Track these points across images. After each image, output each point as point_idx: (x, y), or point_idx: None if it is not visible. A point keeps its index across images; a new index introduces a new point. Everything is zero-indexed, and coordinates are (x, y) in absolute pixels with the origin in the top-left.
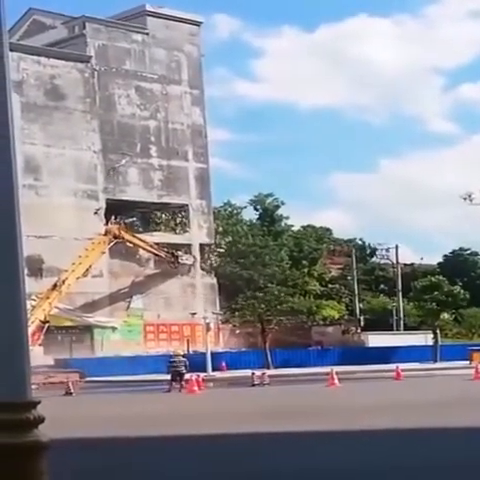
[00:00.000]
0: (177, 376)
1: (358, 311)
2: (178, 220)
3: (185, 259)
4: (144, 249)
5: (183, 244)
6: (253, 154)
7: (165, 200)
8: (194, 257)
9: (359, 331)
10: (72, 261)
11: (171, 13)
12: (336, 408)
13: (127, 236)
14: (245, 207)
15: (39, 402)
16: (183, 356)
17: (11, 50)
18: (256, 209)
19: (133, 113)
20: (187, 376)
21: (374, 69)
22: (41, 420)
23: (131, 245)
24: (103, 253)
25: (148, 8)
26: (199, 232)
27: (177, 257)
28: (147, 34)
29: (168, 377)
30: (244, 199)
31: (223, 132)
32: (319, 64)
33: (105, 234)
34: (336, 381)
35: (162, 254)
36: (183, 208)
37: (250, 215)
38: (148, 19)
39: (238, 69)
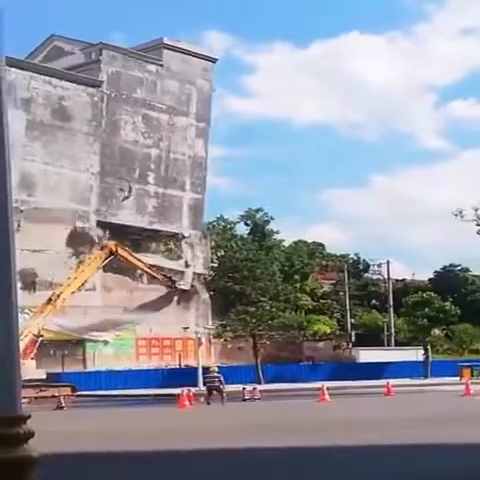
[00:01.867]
0: (214, 391)
1: (349, 326)
2: (170, 247)
3: (182, 284)
4: (141, 269)
5: (177, 270)
6: (246, 170)
7: (156, 227)
8: (192, 286)
9: (350, 346)
10: (67, 275)
11: (187, 47)
12: (326, 423)
13: (124, 253)
14: (238, 222)
15: (29, 416)
16: (218, 372)
17: (22, 68)
18: (246, 224)
19: (136, 140)
20: (178, 391)
21: (366, 86)
22: (31, 435)
23: (125, 262)
24: (99, 268)
25: (166, 41)
26: (195, 261)
27: (174, 282)
28: (161, 65)
29: (158, 392)
30: (237, 214)
31: (216, 148)
32: (312, 80)
33: (102, 249)
34: (327, 396)
35: (159, 277)
36: (175, 237)
37: (242, 230)
38: (164, 51)
39: (230, 85)
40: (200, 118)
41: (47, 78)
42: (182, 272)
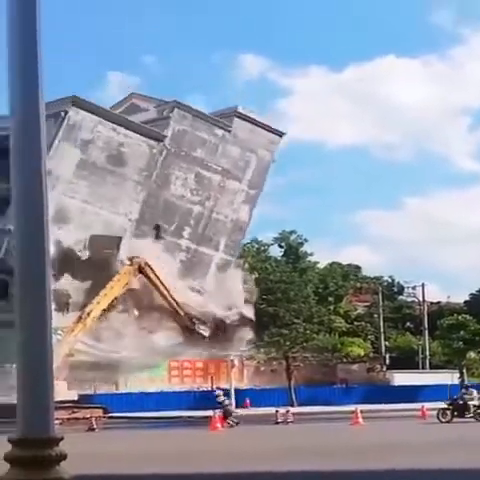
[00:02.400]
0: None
1: (384, 349)
2: None
3: (202, 329)
4: (163, 296)
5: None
6: (281, 192)
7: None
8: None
9: (384, 369)
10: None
11: (259, 119)
12: (359, 447)
13: (151, 274)
14: (272, 244)
15: (62, 438)
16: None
17: (92, 112)
18: (280, 246)
19: (183, 195)
20: (210, 413)
21: (401, 108)
22: (63, 457)
23: (148, 283)
24: (127, 285)
25: (239, 109)
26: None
27: (194, 323)
28: (229, 131)
29: (190, 414)
30: (271, 236)
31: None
32: (346, 103)
33: (130, 264)
34: (360, 420)
35: (181, 312)
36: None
37: (276, 252)
38: (235, 119)
39: (265, 108)
40: (253, 185)
41: (114, 125)
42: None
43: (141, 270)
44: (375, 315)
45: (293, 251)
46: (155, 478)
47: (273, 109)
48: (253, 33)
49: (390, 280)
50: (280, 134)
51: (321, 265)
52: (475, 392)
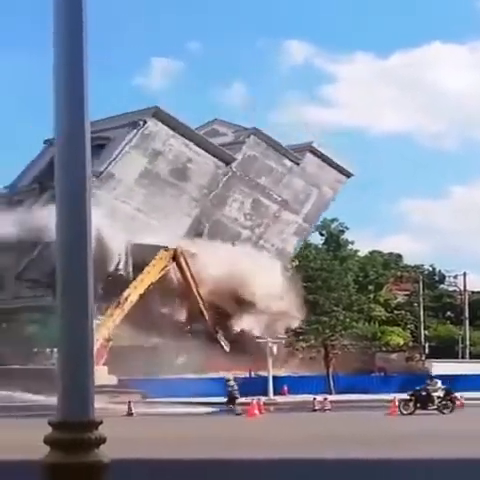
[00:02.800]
0: (232, 400)
1: (423, 338)
2: None
3: (222, 340)
4: (190, 291)
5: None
6: None
7: None
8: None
9: (423, 358)
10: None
11: (331, 157)
12: (394, 436)
13: (184, 265)
14: (313, 231)
15: (101, 422)
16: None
17: (169, 125)
18: (321, 234)
19: (236, 218)
20: (248, 400)
21: (447, 95)
22: (102, 440)
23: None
24: (163, 270)
25: (314, 145)
26: None
27: (217, 332)
28: (298, 164)
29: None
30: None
31: None
32: (392, 90)
33: (166, 250)
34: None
35: (205, 314)
36: None
37: (317, 240)
38: (308, 154)
39: (310, 94)
40: (307, 219)
41: (187, 141)
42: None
43: (175, 258)
44: (415, 304)
45: (334, 239)
46: (191, 463)
47: (318, 95)
48: (299, 19)
49: (431, 269)
50: (348, 174)
51: (362, 253)
52: (439, 383)
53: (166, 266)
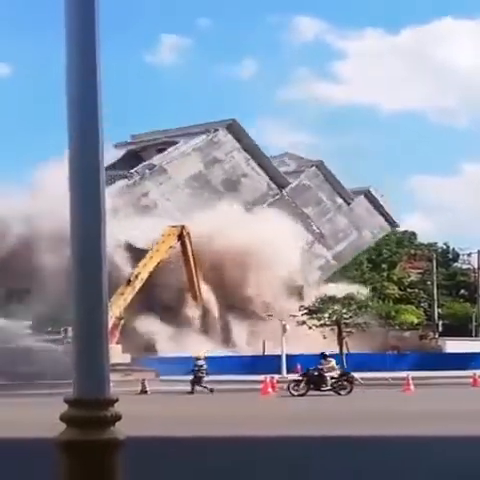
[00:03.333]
0: (198, 379)
1: (437, 316)
2: None
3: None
4: (188, 274)
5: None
6: (333, 156)
7: None
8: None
9: (437, 336)
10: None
11: (383, 205)
12: (408, 414)
13: (188, 245)
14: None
15: (117, 400)
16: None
17: (239, 139)
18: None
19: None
20: (261, 377)
21: (458, 72)
22: (118, 418)
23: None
24: (172, 247)
25: (371, 190)
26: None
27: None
28: (348, 204)
29: (241, 378)
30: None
31: (302, 134)
32: (402, 67)
33: (174, 226)
34: (411, 387)
35: (196, 292)
36: None
37: None
38: (361, 196)
39: (320, 70)
40: (337, 258)
41: (249, 157)
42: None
43: (180, 237)
44: (429, 282)
45: None
46: (204, 441)
47: (328, 72)
48: None
49: (445, 247)
50: (394, 225)
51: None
52: (334, 362)
53: (173, 245)
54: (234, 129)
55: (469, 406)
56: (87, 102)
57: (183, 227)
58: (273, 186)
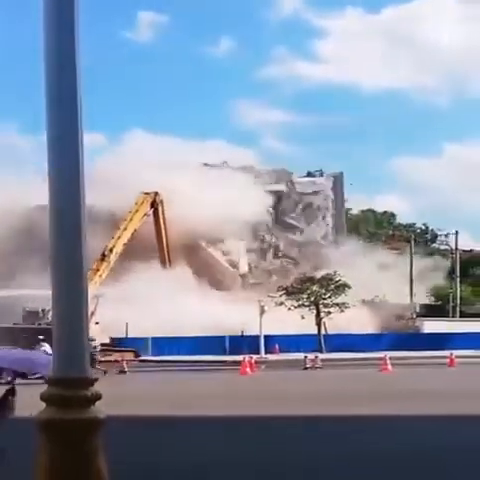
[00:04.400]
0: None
1: (414, 297)
2: None
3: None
4: (159, 241)
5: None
6: (311, 136)
7: None
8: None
9: (414, 317)
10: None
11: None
12: (385, 393)
13: (161, 214)
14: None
15: (96, 379)
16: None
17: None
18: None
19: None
20: (240, 358)
21: (440, 51)
22: (98, 397)
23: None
24: (146, 215)
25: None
26: None
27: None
28: None
29: (220, 358)
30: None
31: (280, 113)
32: (383, 45)
33: (147, 193)
34: (389, 366)
35: (165, 258)
36: None
37: None
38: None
39: (299, 49)
40: None
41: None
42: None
43: (153, 205)
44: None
45: None
46: (181, 420)
47: (308, 50)
48: None
49: (424, 227)
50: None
51: (354, 212)
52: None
53: (147, 212)
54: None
55: (444, 386)
56: (66, 76)
57: (156, 194)
58: (332, 211)
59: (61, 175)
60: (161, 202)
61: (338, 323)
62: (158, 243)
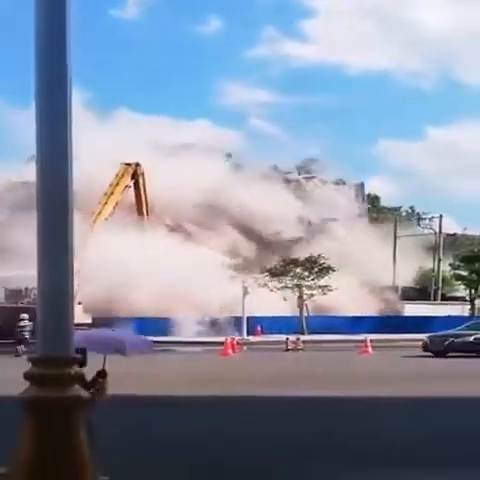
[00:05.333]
0: (21, 341)
1: (396, 279)
2: None
3: None
4: (141, 213)
5: None
6: (298, 117)
7: None
8: None
9: (397, 300)
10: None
11: None
12: (363, 375)
13: (141, 186)
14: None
15: (79, 359)
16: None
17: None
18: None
19: None
20: (222, 339)
21: (427, 33)
22: (81, 376)
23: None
24: (128, 187)
25: None
26: None
27: None
28: None
29: (203, 340)
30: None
31: (267, 93)
32: (371, 26)
33: (127, 165)
34: (369, 349)
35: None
36: None
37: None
38: None
39: (287, 29)
40: None
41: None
42: None
43: (134, 176)
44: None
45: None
46: (161, 399)
47: (296, 30)
48: None
49: (410, 211)
50: None
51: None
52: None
53: (128, 184)
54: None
55: (421, 368)
56: (55, 52)
57: (137, 164)
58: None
59: (50, 154)
60: (142, 174)
61: (333, 305)
62: (139, 216)
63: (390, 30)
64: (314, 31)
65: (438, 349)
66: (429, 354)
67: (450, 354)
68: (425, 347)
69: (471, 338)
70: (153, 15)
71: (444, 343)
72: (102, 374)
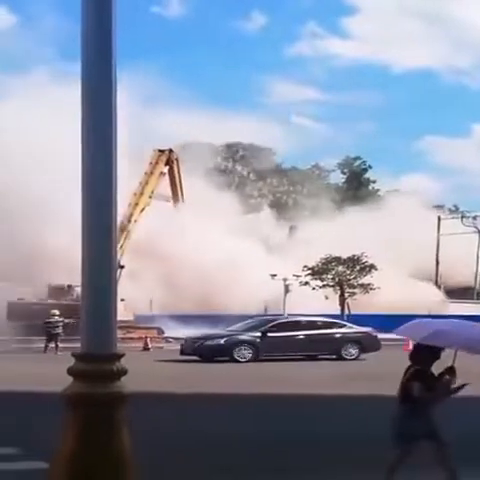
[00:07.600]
0: (51, 337)
1: (440, 278)
2: None
3: None
4: (174, 195)
5: None
6: (342, 115)
7: None
8: None
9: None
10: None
11: None
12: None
13: (176, 172)
14: (333, 170)
15: (123, 355)
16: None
17: None
18: (343, 172)
19: None
20: None
21: (474, 31)
22: (124, 372)
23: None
24: (163, 174)
25: None
26: None
27: None
28: None
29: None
30: (331, 161)
31: (312, 91)
32: (416, 24)
33: (160, 151)
34: (411, 346)
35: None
36: None
37: (337, 178)
38: None
39: (330, 26)
40: None
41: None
42: None
43: (168, 162)
44: None
45: (356, 178)
46: (199, 398)
47: (339, 28)
48: None
49: (454, 208)
50: None
51: (381, 193)
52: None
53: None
54: None
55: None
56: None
57: (171, 151)
58: None
59: (95, 146)
60: (176, 160)
61: (379, 303)
62: (174, 203)
63: (436, 28)
64: (357, 28)
65: None
66: None
67: None
68: None
69: None
70: (196, 12)
71: None
72: (450, 371)
